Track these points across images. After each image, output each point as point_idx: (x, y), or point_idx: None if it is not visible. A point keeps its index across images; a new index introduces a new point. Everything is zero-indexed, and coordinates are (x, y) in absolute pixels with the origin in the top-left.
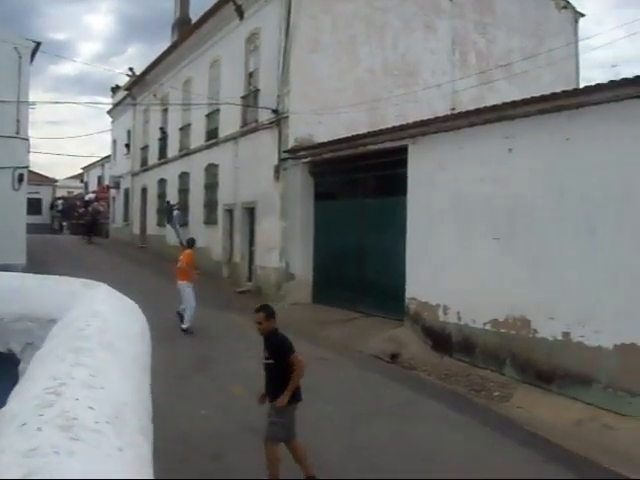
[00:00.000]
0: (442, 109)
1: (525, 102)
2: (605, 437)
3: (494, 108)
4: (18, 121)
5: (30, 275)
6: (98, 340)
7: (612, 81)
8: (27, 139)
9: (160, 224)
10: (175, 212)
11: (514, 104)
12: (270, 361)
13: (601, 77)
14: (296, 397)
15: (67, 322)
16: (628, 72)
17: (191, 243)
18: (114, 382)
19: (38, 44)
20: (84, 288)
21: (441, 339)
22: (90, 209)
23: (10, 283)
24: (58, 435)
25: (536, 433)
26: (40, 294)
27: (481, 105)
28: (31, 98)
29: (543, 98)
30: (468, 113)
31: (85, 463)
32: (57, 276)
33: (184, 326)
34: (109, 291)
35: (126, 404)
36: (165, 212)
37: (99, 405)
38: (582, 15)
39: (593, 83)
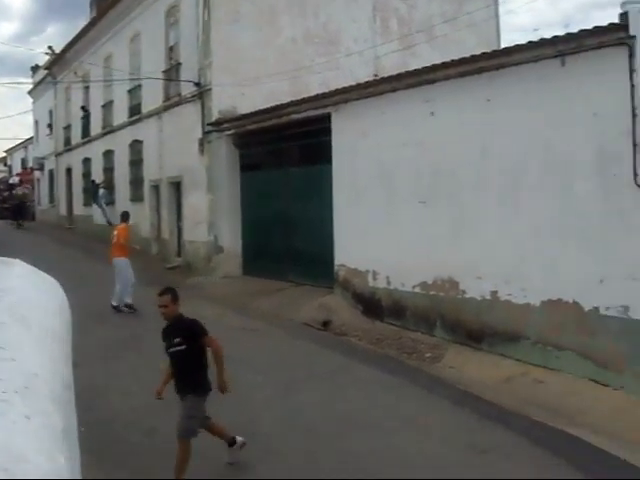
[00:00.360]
0: (365, 76)
1: (445, 65)
2: (535, 391)
3: (415, 72)
4: None
5: None
6: (10, 314)
7: (531, 42)
8: None
9: (87, 204)
10: (101, 191)
11: (434, 68)
12: (182, 347)
13: (523, 41)
14: (207, 388)
15: None
16: (549, 35)
17: (125, 217)
18: (26, 354)
19: None
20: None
21: (371, 304)
22: (15, 192)
23: None
24: None
25: (468, 391)
26: None
27: (404, 71)
28: None
29: (463, 61)
30: (390, 78)
31: None
32: None
33: (114, 303)
34: (25, 267)
35: (37, 375)
36: (91, 191)
37: (8, 376)
38: None
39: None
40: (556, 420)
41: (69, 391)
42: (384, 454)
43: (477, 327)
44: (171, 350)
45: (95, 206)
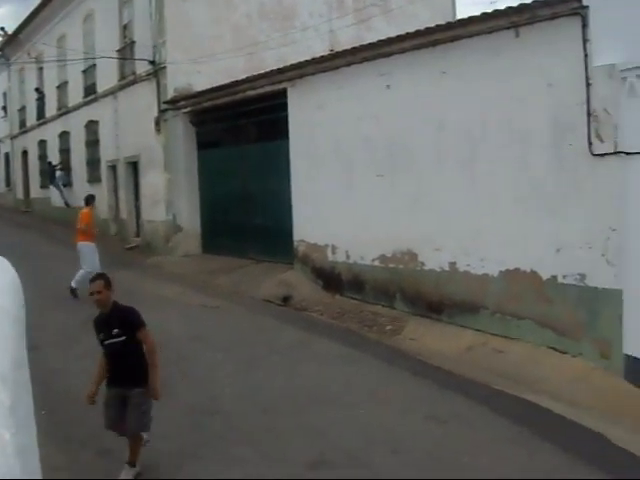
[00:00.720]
0: (321, 51)
1: (400, 38)
2: (495, 361)
3: (370, 46)
4: None
5: None
6: None
7: (484, 13)
8: None
9: (44, 186)
10: (58, 173)
11: (390, 41)
12: (122, 338)
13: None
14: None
15: None
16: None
17: (90, 200)
18: None
19: None
20: None
21: (331, 279)
22: None
23: None
24: None
25: (428, 362)
26: None
27: (359, 45)
28: None
29: (418, 33)
30: (345, 52)
31: None
32: None
33: (74, 285)
34: None
35: None
36: (47, 173)
37: None
38: None
39: None
40: (516, 388)
41: (21, 370)
42: (344, 427)
43: (437, 299)
44: (109, 342)
45: (53, 188)
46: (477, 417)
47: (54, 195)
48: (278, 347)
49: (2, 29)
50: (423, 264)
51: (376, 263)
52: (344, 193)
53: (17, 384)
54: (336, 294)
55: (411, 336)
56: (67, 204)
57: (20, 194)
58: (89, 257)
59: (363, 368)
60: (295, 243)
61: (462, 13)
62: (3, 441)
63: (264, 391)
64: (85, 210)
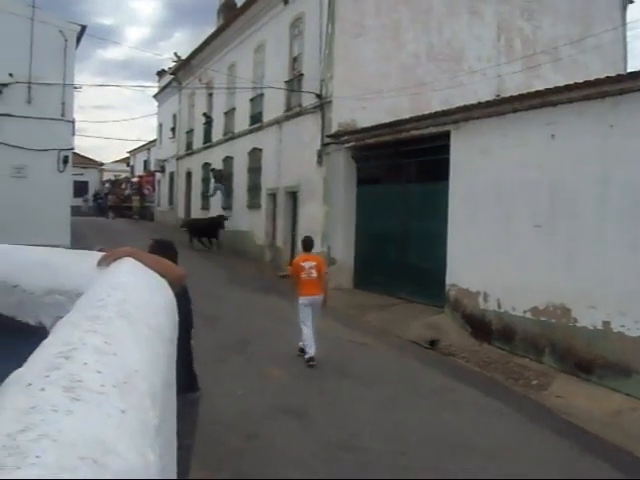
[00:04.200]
0: (487, 95)
1: (568, 88)
2: None
3: (537, 94)
4: (63, 104)
5: (60, 249)
6: (116, 310)
7: None
8: (72, 121)
9: (204, 208)
10: (216, 184)
11: (557, 90)
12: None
13: None
14: None
15: (89, 294)
16: None
17: (312, 244)
18: (128, 350)
19: (83, 27)
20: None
21: (481, 326)
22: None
23: (41, 257)
24: (60, 395)
25: (573, 422)
26: (70, 268)
27: (526, 92)
28: (78, 82)
29: (587, 84)
30: (511, 99)
31: (82, 421)
32: (86, 250)
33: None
34: (134, 264)
35: (138, 371)
36: (214, 176)
37: (108, 370)
38: (631, 1)
39: None
40: None
41: (170, 390)
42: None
43: (587, 357)
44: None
45: (213, 189)
46: None
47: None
48: (421, 390)
49: (176, 54)
50: (576, 320)
51: (528, 315)
52: (500, 240)
53: (165, 404)
54: (484, 342)
55: (558, 393)
56: (223, 208)
57: (181, 213)
58: (319, 313)
59: (505, 421)
60: (447, 287)
61: (634, 65)
62: (148, 462)
63: (404, 432)
64: (318, 256)
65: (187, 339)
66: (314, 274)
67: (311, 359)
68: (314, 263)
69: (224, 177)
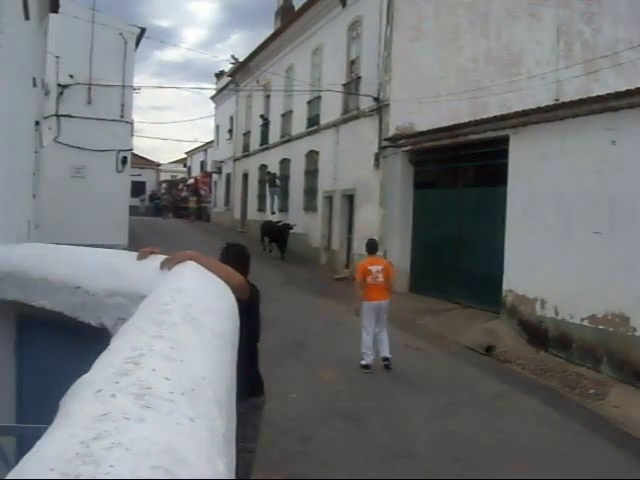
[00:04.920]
0: (545, 99)
1: (630, 93)
2: None
3: (598, 99)
4: (123, 105)
5: (123, 252)
6: (181, 315)
7: None
8: (131, 123)
9: (260, 209)
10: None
11: (618, 95)
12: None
13: None
14: None
15: (153, 297)
16: None
17: (376, 247)
18: (194, 356)
19: (143, 30)
20: None
21: (537, 333)
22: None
23: (103, 259)
24: (131, 402)
25: (630, 433)
26: (132, 270)
27: (586, 96)
28: (136, 83)
29: None
30: (571, 104)
31: (153, 429)
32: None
33: (387, 354)
34: (197, 268)
35: (204, 378)
36: (268, 180)
37: (176, 377)
38: None
39: None
40: None
41: (232, 396)
42: None
43: None
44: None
45: (268, 195)
46: None
47: (268, 206)
48: (476, 397)
49: (233, 57)
50: (635, 329)
51: (585, 323)
52: (558, 246)
53: (229, 411)
54: (540, 349)
55: (615, 403)
56: (273, 212)
57: (237, 214)
58: (386, 317)
59: (562, 430)
60: (504, 292)
61: None
62: (217, 471)
63: (458, 439)
64: (385, 261)
65: (254, 342)
66: (381, 278)
67: (367, 366)
68: (381, 267)
69: (279, 179)
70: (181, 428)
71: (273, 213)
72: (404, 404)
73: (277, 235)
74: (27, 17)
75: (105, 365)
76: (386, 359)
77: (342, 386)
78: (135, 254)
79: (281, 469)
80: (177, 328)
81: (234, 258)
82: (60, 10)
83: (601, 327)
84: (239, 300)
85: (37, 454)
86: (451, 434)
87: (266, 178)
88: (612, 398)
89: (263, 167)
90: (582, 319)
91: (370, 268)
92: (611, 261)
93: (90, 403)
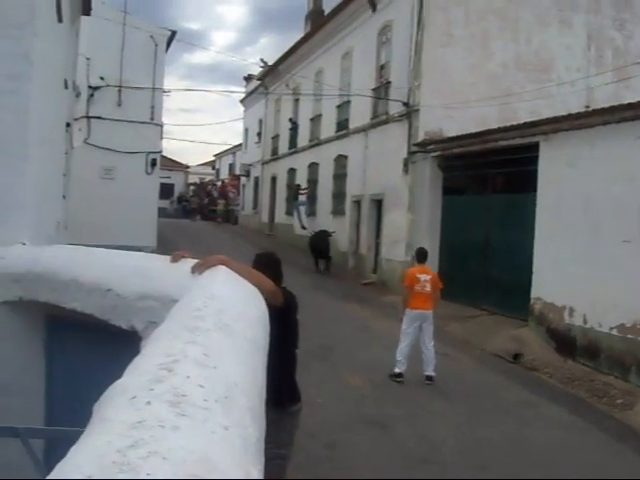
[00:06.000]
0: (576, 106)
1: None
2: None
3: (629, 106)
4: (153, 107)
5: (153, 255)
6: (214, 321)
7: None
8: (160, 125)
9: (288, 213)
10: (301, 197)
11: None
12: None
13: None
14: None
15: (185, 302)
16: None
17: (425, 256)
18: (227, 363)
19: (174, 33)
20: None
21: (565, 341)
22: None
23: (134, 263)
24: (166, 410)
25: None
26: (163, 274)
27: (617, 104)
28: (166, 85)
29: None
30: (602, 111)
31: (189, 438)
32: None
33: (430, 373)
34: (229, 273)
35: (237, 385)
36: (292, 193)
37: (210, 384)
38: None
39: None
40: None
41: (262, 402)
42: None
43: None
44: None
45: (293, 209)
46: None
47: (295, 219)
48: (503, 404)
49: (262, 60)
50: None
51: (614, 332)
52: (588, 255)
53: (261, 418)
54: (568, 358)
55: None
56: (303, 227)
57: (265, 218)
58: (432, 329)
59: (588, 440)
60: (532, 300)
61: None
62: (251, 478)
63: (484, 447)
64: (432, 271)
65: (291, 349)
66: (428, 288)
67: (399, 375)
68: (429, 277)
69: (304, 190)
70: (215, 437)
71: (304, 228)
72: (430, 410)
73: (325, 247)
74: (60, 19)
75: (139, 371)
76: (429, 378)
77: (368, 391)
78: (166, 257)
79: (306, 474)
80: (210, 334)
81: (266, 266)
82: (92, 12)
83: (630, 336)
84: (271, 306)
85: (73, 460)
86: (477, 441)
87: (290, 193)
88: None
89: (292, 171)
90: (611, 328)
91: (419, 276)
92: None
93: (125, 410)
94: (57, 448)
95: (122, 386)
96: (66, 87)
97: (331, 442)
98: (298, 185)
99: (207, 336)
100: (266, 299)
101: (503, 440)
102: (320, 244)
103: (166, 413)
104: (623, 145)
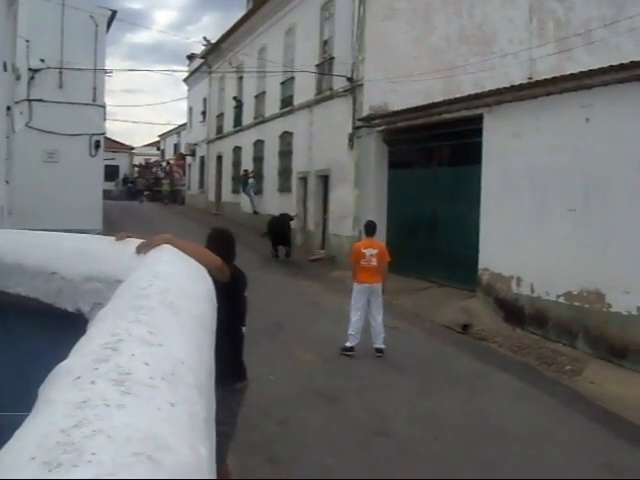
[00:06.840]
0: (519, 78)
1: (603, 71)
2: None
3: (571, 77)
4: (94, 88)
5: (98, 236)
6: (159, 299)
7: None
8: (103, 106)
9: (235, 191)
10: (250, 180)
11: (591, 73)
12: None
13: None
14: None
15: (130, 282)
16: None
17: (374, 229)
18: (173, 340)
19: (114, 12)
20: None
21: (513, 311)
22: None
23: (79, 245)
24: (110, 389)
25: (607, 408)
26: (108, 255)
27: (559, 75)
28: (108, 66)
29: (622, 67)
30: (545, 82)
31: (134, 416)
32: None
33: (380, 344)
34: (173, 252)
35: (184, 362)
36: (241, 181)
37: (155, 362)
38: None
39: None
40: None
41: (210, 379)
42: (515, 465)
43: (621, 343)
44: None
45: (243, 195)
46: None
47: (244, 201)
48: (454, 375)
49: (205, 38)
50: (610, 306)
51: (561, 300)
52: (533, 224)
53: (209, 395)
54: (517, 327)
55: (591, 379)
56: (255, 212)
57: (212, 197)
58: (381, 301)
59: (538, 406)
60: (479, 271)
61: None
62: (200, 456)
63: (436, 418)
64: (379, 243)
65: (238, 327)
66: (374, 262)
67: (350, 349)
68: (376, 251)
69: (252, 174)
70: (162, 414)
71: (256, 213)
72: (381, 383)
73: (281, 232)
74: None
75: (83, 351)
76: (379, 350)
77: (319, 366)
78: (111, 238)
79: (260, 451)
80: (155, 312)
81: (216, 242)
82: None
83: (577, 304)
84: (218, 282)
85: (17, 443)
86: (429, 412)
87: (240, 177)
88: (588, 374)
89: (237, 149)
90: (558, 296)
91: (364, 251)
92: (586, 238)
93: (70, 390)
94: (4, 434)
95: (66, 367)
96: (5, 70)
97: (283, 418)
98: (245, 170)
99: (152, 314)
100: (212, 275)
101: (455, 410)
102: (280, 229)
103: (111, 392)
104: (566, 115)
